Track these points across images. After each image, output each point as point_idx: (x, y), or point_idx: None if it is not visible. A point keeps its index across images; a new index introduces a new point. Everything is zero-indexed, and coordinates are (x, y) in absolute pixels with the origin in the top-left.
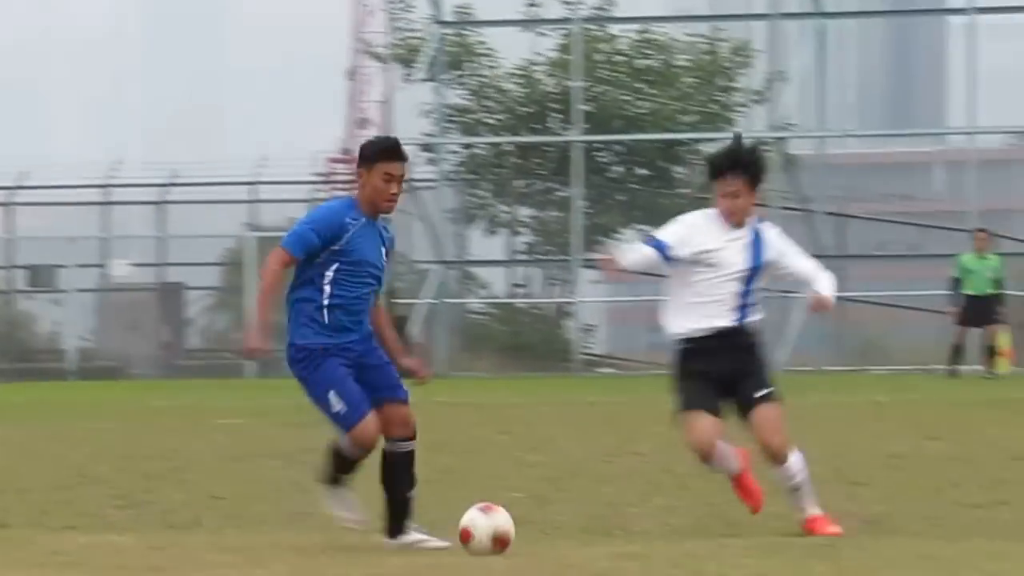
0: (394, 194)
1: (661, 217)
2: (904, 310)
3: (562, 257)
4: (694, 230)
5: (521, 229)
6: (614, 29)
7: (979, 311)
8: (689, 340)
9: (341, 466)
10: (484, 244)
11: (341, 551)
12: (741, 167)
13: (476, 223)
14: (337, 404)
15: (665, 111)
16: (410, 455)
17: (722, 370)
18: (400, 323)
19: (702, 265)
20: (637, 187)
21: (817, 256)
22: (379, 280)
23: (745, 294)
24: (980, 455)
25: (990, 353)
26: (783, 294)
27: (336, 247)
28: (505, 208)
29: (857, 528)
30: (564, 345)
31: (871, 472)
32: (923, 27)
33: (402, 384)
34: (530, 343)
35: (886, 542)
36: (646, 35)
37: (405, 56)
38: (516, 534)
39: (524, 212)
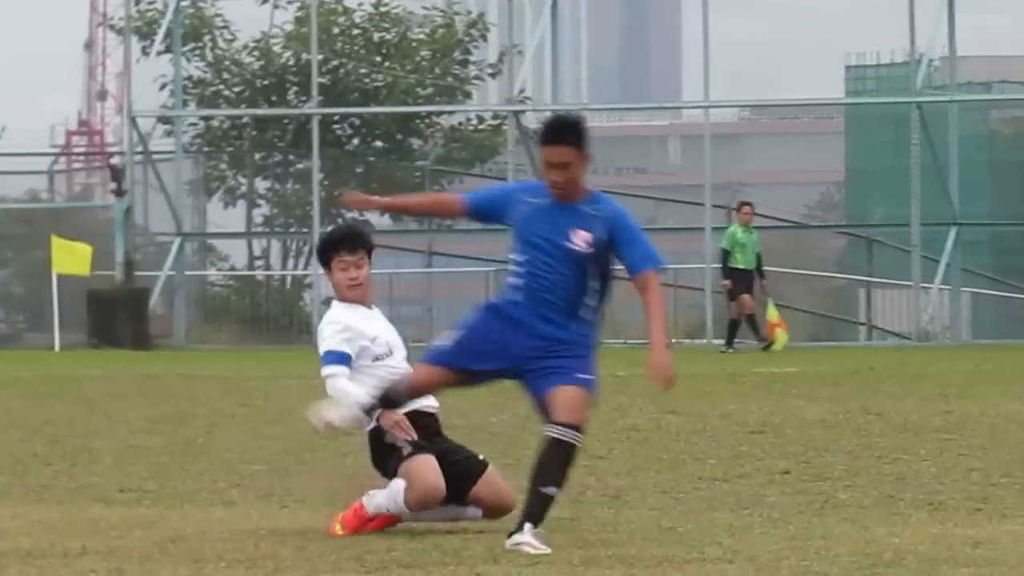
0: (554, 181)
1: (398, 189)
2: None
3: (301, 230)
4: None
5: (260, 201)
6: (351, 2)
7: (748, 284)
8: None
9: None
10: (223, 216)
11: (84, 523)
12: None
13: (215, 195)
14: (442, 337)
15: (402, 84)
16: (556, 443)
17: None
18: (141, 296)
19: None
20: (374, 159)
21: None
22: (565, 266)
23: None
24: (719, 429)
25: (734, 327)
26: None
27: (509, 224)
28: (243, 180)
29: (598, 502)
30: (303, 318)
31: (611, 445)
32: (657, 1)
33: (575, 374)
34: (269, 316)
35: (627, 515)
36: (382, 8)
37: (143, 29)
38: (256, 507)
39: (262, 184)
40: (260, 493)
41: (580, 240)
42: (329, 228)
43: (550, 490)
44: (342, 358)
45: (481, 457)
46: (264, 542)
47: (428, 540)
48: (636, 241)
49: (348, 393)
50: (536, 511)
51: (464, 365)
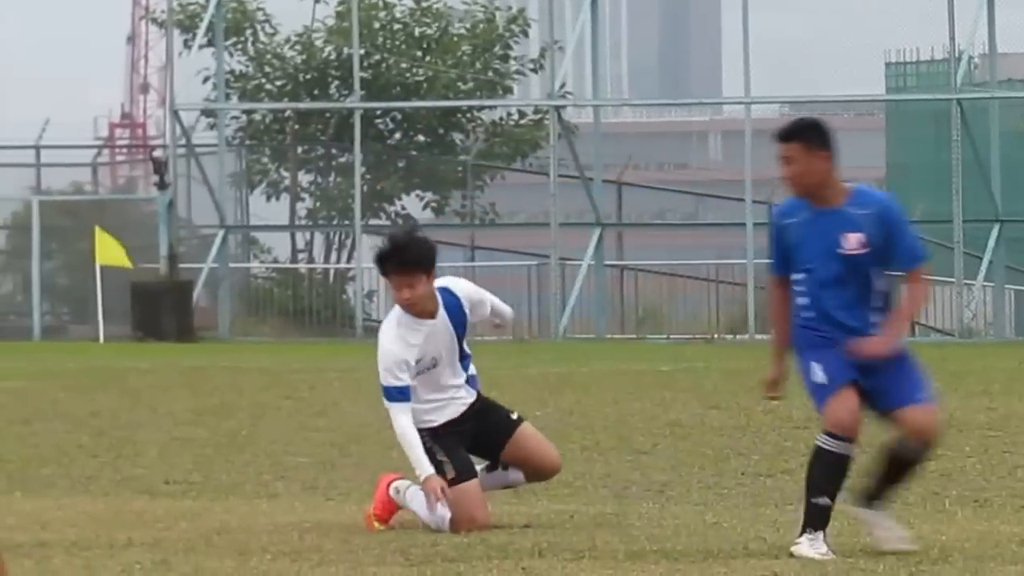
0: (787, 177)
1: (440, 183)
2: (682, 279)
3: (344, 223)
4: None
5: (302, 195)
6: None
7: None
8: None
9: (825, 472)
10: (266, 209)
11: (129, 515)
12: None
13: (257, 188)
14: (818, 373)
15: (443, 79)
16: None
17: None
18: (185, 288)
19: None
20: (416, 153)
21: (597, 224)
22: (844, 275)
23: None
24: (763, 424)
25: None
26: (559, 260)
27: (794, 255)
28: (286, 173)
29: (642, 497)
30: (346, 311)
31: (655, 440)
32: None
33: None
34: (313, 308)
35: (672, 511)
36: (423, 4)
37: (185, 22)
38: (301, 500)
39: (305, 178)
40: (305, 485)
41: (854, 243)
42: (388, 235)
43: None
44: (402, 392)
45: (515, 416)
46: (309, 535)
47: (473, 534)
48: (903, 235)
49: (408, 439)
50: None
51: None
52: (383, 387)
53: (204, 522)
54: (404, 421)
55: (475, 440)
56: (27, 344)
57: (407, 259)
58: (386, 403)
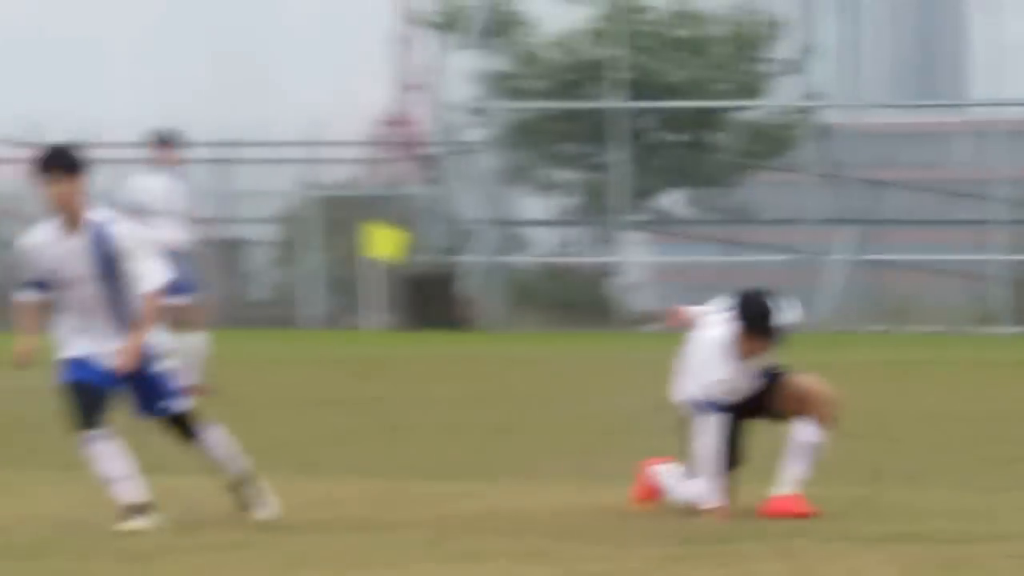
0: None
1: (700, 181)
2: (934, 274)
3: (606, 218)
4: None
5: (566, 191)
6: (655, 1)
7: None
8: None
9: None
10: (530, 205)
11: (404, 496)
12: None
13: (522, 184)
14: None
15: (701, 79)
16: None
17: None
18: (453, 280)
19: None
20: (676, 152)
21: (849, 221)
22: None
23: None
24: (1014, 412)
25: None
26: (813, 256)
27: None
28: (549, 170)
29: (895, 482)
30: (609, 303)
31: (908, 428)
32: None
33: None
34: (577, 300)
35: (924, 495)
36: (682, 7)
37: (450, 22)
38: (570, 483)
39: (567, 175)
40: (573, 469)
41: None
42: (763, 300)
43: None
44: (723, 408)
45: (776, 372)
46: (577, 516)
47: (730, 518)
48: None
49: (715, 457)
50: None
51: None
52: (712, 401)
53: (477, 503)
54: (719, 438)
55: (746, 402)
56: (301, 332)
57: (774, 333)
58: (709, 414)
